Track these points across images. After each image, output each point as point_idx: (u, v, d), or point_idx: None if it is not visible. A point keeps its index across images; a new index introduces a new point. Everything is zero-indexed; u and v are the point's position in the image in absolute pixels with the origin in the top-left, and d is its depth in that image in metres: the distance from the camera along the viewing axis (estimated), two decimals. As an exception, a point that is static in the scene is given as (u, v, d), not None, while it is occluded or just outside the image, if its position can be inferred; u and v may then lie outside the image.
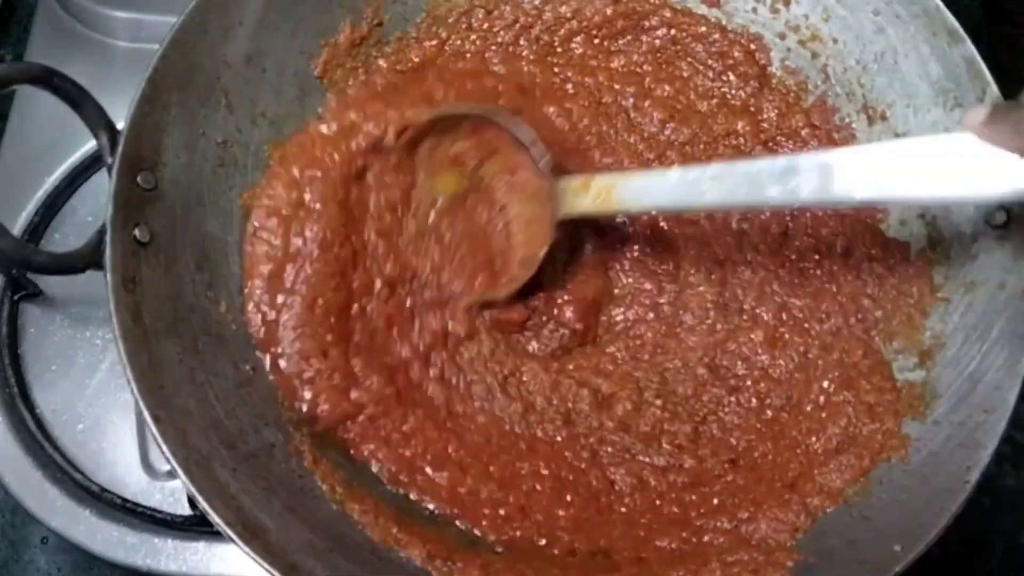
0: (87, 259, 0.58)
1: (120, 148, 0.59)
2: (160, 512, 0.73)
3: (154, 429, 0.54)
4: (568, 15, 0.75)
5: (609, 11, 0.75)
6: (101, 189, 0.59)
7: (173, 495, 0.74)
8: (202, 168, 0.65)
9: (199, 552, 0.72)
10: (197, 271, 0.63)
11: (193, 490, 0.53)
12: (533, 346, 0.70)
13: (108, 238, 0.57)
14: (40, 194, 0.83)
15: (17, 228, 0.81)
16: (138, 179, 0.60)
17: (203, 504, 0.53)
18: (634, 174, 0.65)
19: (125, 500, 0.73)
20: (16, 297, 0.79)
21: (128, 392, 0.55)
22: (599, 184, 0.64)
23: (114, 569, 0.73)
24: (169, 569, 0.71)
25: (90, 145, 0.82)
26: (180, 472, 0.54)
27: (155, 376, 0.57)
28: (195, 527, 0.72)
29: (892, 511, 0.58)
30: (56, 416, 0.77)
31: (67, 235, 0.83)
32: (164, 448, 0.54)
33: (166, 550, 0.72)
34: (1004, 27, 0.95)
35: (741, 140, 0.73)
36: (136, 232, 0.59)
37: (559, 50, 0.76)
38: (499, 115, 0.67)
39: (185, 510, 0.72)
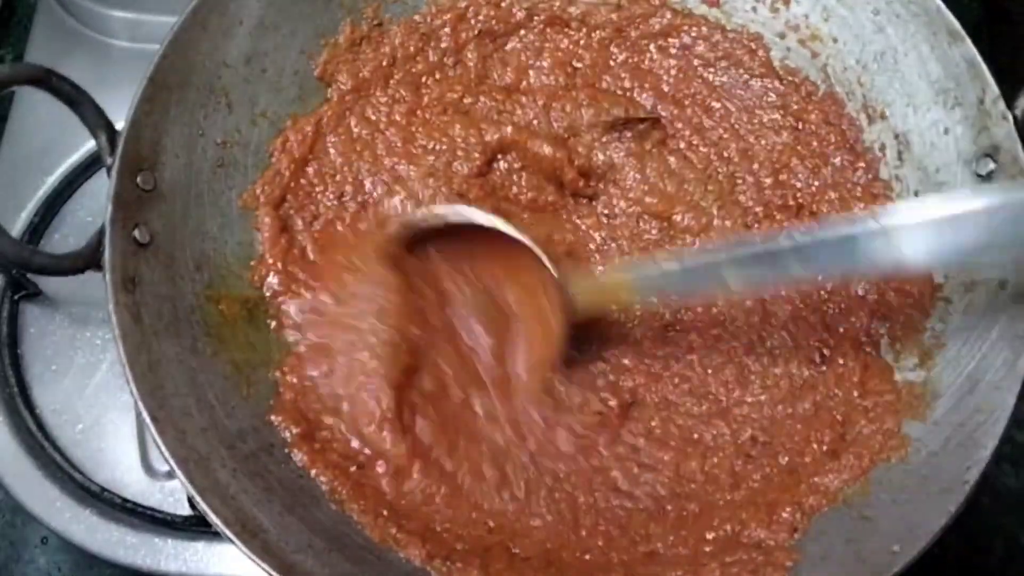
0: (87, 259, 0.58)
1: (119, 148, 0.59)
2: (160, 512, 0.73)
3: (153, 429, 0.54)
4: (577, 16, 0.75)
5: (615, 16, 0.74)
6: (101, 189, 0.59)
7: (173, 495, 0.74)
8: (202, 168, 0.65)
9: (199, 552, 0.72)
10: (197, 271, 0.63)
11: (192, 490, 0.53)
12: None
13: (108, 238, 0.57)
14: (40, 194, 0.83)
15: (17, 228, 0.82)
16: (137, 179, 0.60)
17: (202, 504, 0.53)
18: (644, 265, 0.63)
19: (125, 500, 0.73)
20: (16, 297, 0.79)
21: (128, 392, 0.55)
22: (612, 280, 0.65)
23: (114, 569, 0.73)
24: (169, 569, 0.71)
25: (90, 145, 0.82)
26: (179, 472, 0.54)
27: (155, 376, 0.57)
28: (195, 527, 0.72)
29: (892, 511, 0.58)
30: (56, 416, 0.77)
31: (67, 235, 0.83)
32: (163, 448, 0.54)
33: (166, 550, 0.72)
34: (1004, 27, 0.95)
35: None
36: (136, 232, 0.59)
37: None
38: (517, 229, 0.65)
39: (185, 510, 0.72)
